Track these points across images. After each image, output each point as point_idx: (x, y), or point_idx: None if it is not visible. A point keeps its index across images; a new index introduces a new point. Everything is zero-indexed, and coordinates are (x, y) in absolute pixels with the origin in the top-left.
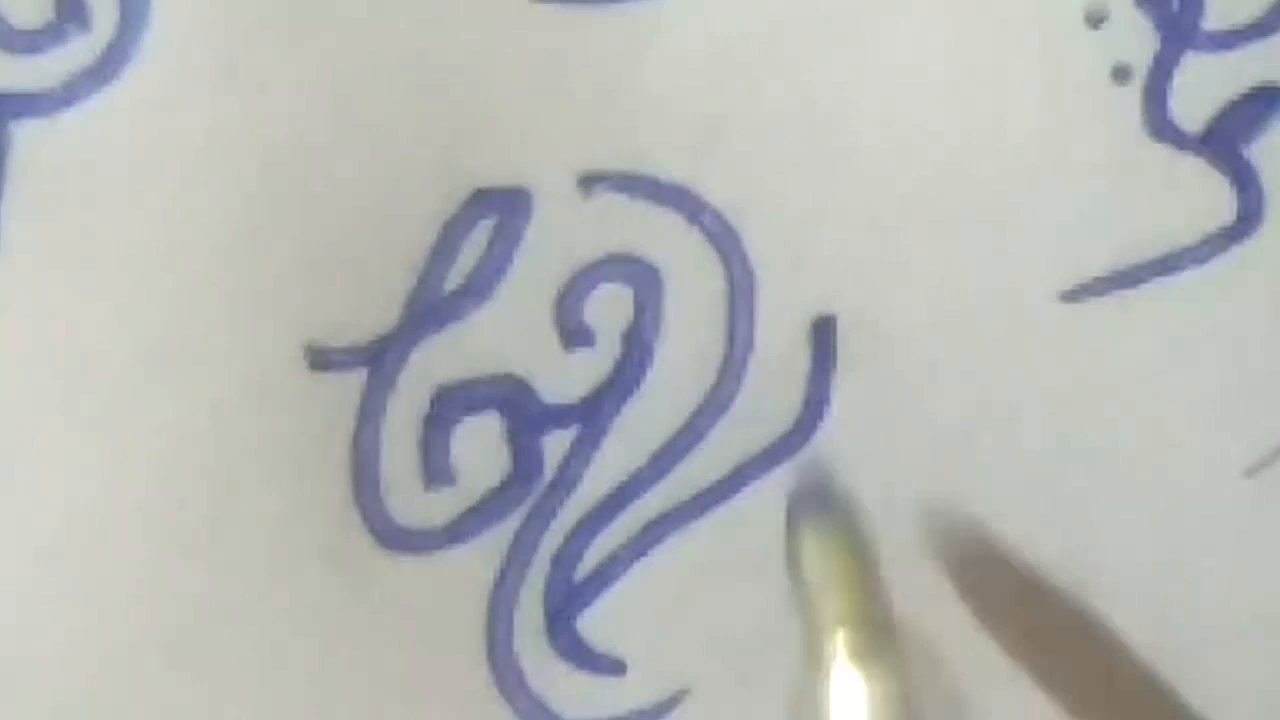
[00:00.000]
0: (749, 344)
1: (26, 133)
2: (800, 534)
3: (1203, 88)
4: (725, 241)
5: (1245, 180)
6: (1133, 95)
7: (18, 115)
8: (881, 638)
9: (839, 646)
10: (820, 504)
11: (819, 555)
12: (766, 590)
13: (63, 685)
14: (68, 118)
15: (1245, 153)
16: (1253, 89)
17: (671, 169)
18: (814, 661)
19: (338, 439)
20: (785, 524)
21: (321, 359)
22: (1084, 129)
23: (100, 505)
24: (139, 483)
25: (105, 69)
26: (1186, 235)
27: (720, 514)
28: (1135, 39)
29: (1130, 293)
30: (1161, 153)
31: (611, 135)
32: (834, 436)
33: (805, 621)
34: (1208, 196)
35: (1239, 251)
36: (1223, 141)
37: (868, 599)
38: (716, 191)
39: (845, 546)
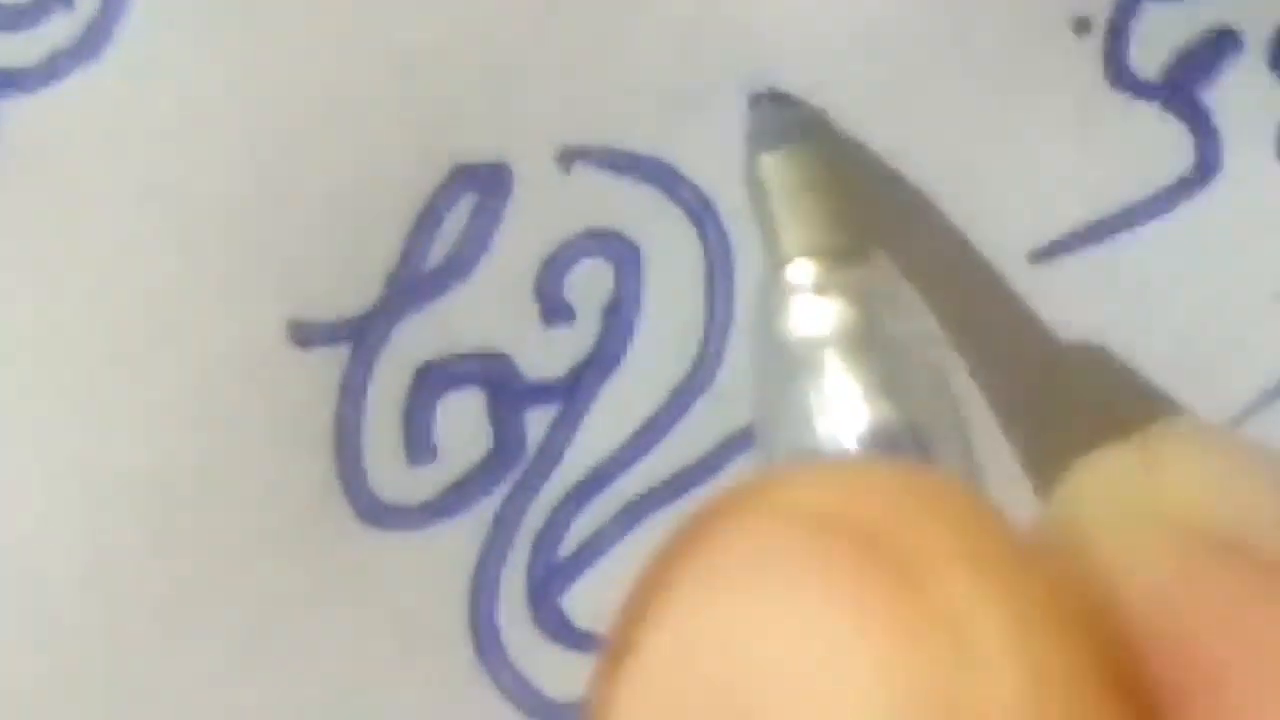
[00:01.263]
0: (729, 318)
1: (10, 110)
2: (756, 166)
3: (1160, 36)
4: (703, 215)
5: (1202, 127)
6: (1094, 47)
7: (1, 92)
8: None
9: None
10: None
11: (776, 187)
12: None
13: (44, 660)
14: (51, 94)
15: (1202, 99)
16: (1206, 33)
17: (651, 143)
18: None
19: (321, 415)
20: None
21: (305, 335)
22: (1047, 85)
23: (81, 480)
24: (120, 459)
25: (87, 46)
26: (1148, 186)
27: (704, 490)
28: None
29: (1096, 248)
30: (1121, 103)
31: (591, 110)
32: None
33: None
34: (1168, 145)
35: (1199, 200)
36: (1180, 89)
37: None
38: (694, 165)
39: (803, 175)
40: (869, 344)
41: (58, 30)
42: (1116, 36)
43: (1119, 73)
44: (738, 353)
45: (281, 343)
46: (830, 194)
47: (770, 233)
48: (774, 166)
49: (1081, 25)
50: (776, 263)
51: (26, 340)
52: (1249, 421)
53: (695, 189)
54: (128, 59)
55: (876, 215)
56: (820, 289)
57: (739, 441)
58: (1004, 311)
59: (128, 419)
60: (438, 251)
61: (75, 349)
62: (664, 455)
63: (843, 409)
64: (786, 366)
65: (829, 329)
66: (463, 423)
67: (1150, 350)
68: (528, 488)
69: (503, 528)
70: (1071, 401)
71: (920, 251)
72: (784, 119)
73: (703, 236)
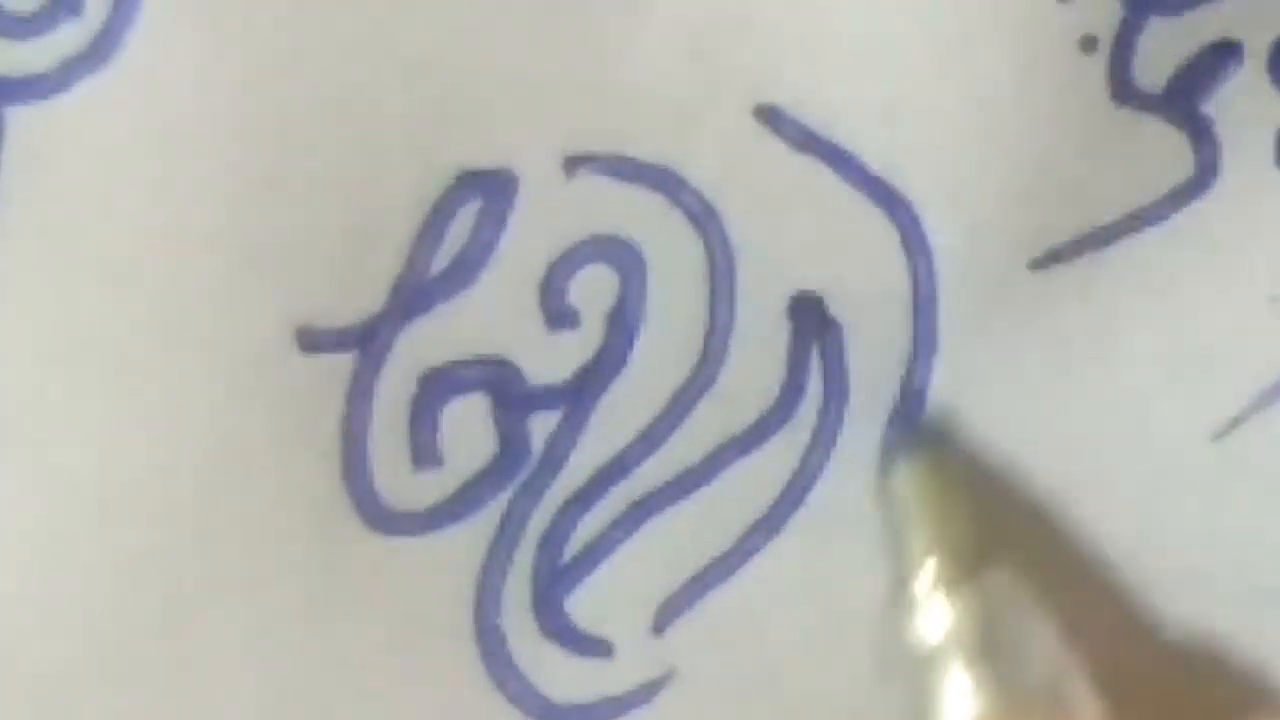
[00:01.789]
0: (730, 323)
1: (20, 117)
2: (893, 469)
3: (1164, 51)
4: (706, 221)
5: (1202, 135)
6: (1099, 63)
7: (11, 100)
8: (972, 565)
9: (928, 576)
10: (913, 440)
11: (910, 487)
12: (754, 569)
13: (52, 663)
14: (61, 102)
15: (1203, 108)
16: (1208, 46)
17: (654, 150)
18: (902, 597)
19: (327, 421)
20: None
21: (312, 341)
22: (1052, 101)
23: (90, 486)
24: (128, 465)
25: (96, 54)
26: (1149, 194)
27: (705, 493)
28: (1102, 10)
29: (1097, 255)
30: (1125, 116)
31: (595, 116)
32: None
33: (895, 557)
34: (1168, 155)
35: (1198, 206)
36: (1182, 99)
37: (960, 527)
38: (697, 172)
39: (935, 476)
40: (992, 648)
41: (66, 38)
42: (1122, 53)
43: (1123, 88)
44: (739, 356)
45: (288, 348)
46: (961, 501)
47: (902, 538)
48: (909, 475)
49: (1088, 43)
50: (907, 567)
51: (35, 346)
52: (1248, 422)
53: (698, 195)
54: (136, 67)
55: (1002, 521)
56: (948, 593)
57: (740, 444)
58: (1121, 614)
59: (133, 425)
60: (443, 257)
61: (84, 354)
62: (667, 458)
63: (965, 712)
64: (913, 668)
65: (955, 633)
66: (468, 428)
67: (1150, 352)
68: (532, 492)
69: (507, 532)
70: (1184, 701)
71: (1043, 557)
72: (919, 429)
73: (706, 242)
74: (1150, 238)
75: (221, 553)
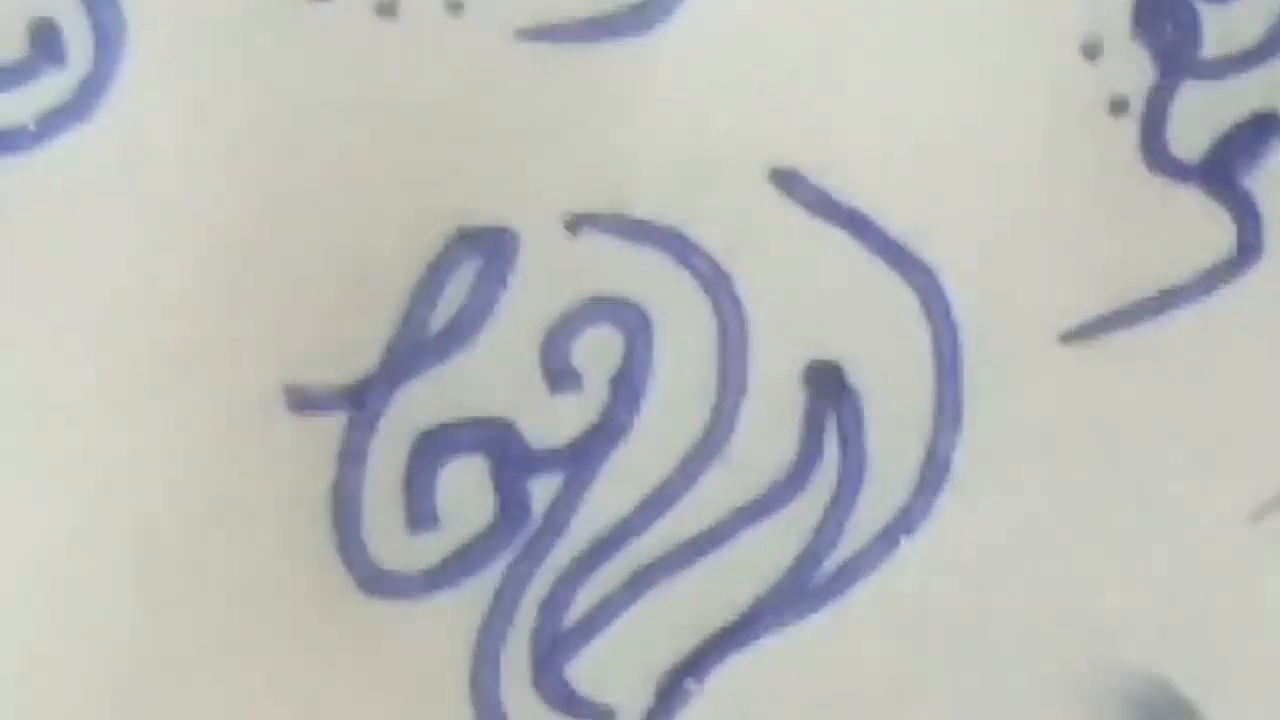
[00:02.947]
0: (741, 388)
1: (1, 169)
2: None
3: (1200, 117)
4: (716, 284)
5: (1244, 211)
6: (1130, 127)
7: None
8: None
9: None
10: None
11: None
12: (764, 640)
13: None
14: (43, 154)
15: (1244, 183)
16: (1250, 117)
17: (661, 210)
18: None
19: (318, 482)
20: None
21: (301, 400)
22: (1082, 165)
23: (75, 549)
24: (115, 526)
25: (80, 105)
26: (1186, 270)
27: (713, 561)
28: (1132, 70)
29: (1129, 332)
30: (1159, 185)
31: (600, 175)
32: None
33: None
34: (1207, 229)
35: (1240, 285)
36: (1221, 172)
37: None
38: (707, 233)
39: None
40: None
41: (50, 89)
42: (1154, 118)
43: (1157, 155)
44: (750, 424)
45: (278, 409)
46: None
47: None
48: None
49: (1118, 106)
50: None
51: (19, 403)
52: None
53: (708, 258)
54: (120, 118)
55: None
56: None
57: (750, 512)
58: None
59: (118, 486)
60: (440, 317)
61: (67, 414)
62: (672, 524)
63: None
64: None
65: None
66: (465, 490)
67: (1185, 431)
68: (532, 557)
69: (506, 597)
70: None
71: None
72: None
73: (716, 306)
74: (1188, 315)
75: (209, 617)
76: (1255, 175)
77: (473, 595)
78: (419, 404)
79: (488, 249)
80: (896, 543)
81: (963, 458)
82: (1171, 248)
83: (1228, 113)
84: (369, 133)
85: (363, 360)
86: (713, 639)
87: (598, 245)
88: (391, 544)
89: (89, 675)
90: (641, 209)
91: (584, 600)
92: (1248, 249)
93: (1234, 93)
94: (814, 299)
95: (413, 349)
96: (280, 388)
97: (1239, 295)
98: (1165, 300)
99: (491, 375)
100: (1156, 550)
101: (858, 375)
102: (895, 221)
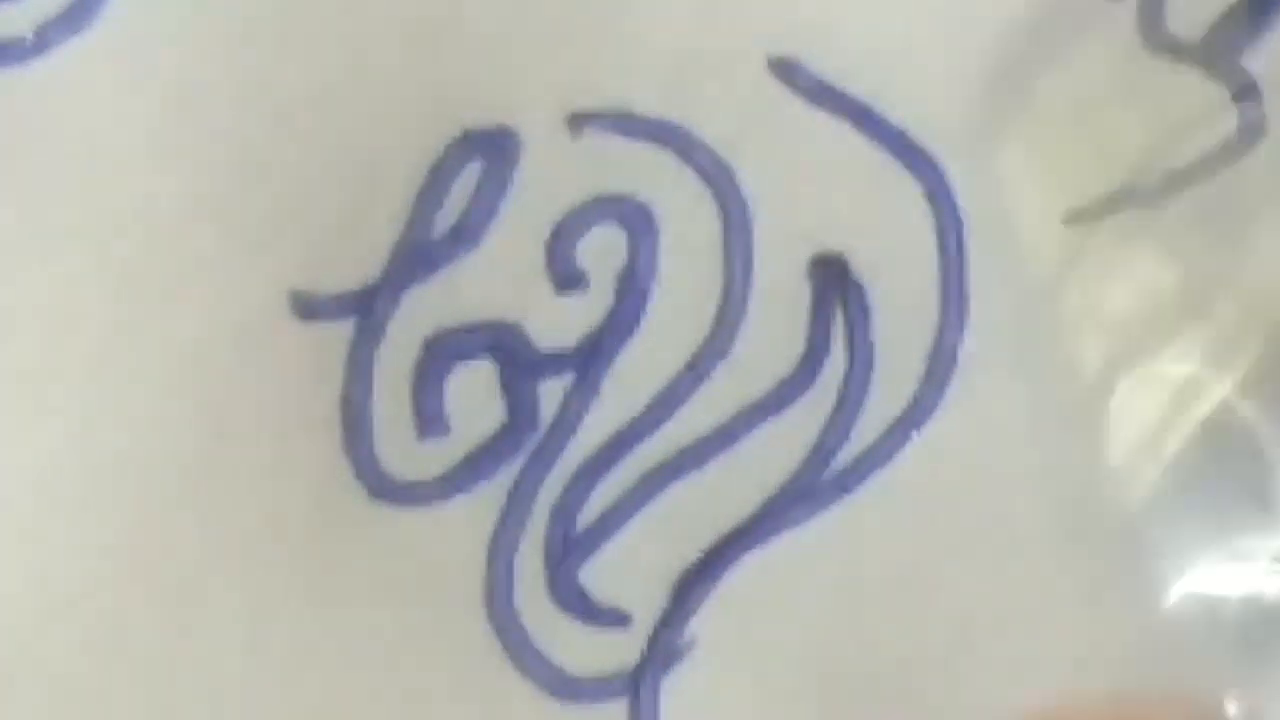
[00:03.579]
0: (747, 284)
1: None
2: None
3: None
4: (719, 179)
5: (1245, 91)
6: (1128, 8)
7: None
8: None
9: None
10: None
11: None
12: (777, 538)
13: (49, 638)
14: (40, 65)
15: (1245, 62)
16: None
17: (662, 106)
18: None
19: (326, 390)
20: None
21: (308, 308)
22: (1080, 47)
23: (83, 459)
24: (121, 436)
25: (77, 14)
26: (1189, 151)
27: (724, 460)
28: None
29: (1133, 215)
30: (1159, 66)
31: (600, 73)
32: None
33: None
34: (1208, 109)
35: (1243, 164)
36: (1221, 51)
37: None
38: (708, 127)
39: None
40: None
41: (46, 0)
42: None
43: (1156, 35)
44: (756, 319)
45: (283, 316)
46: None
47: None
48: None
49: None
50: None
51: (22, 319)
52: None
53: (710, 152)
54: (119, 27)
55: None
56: None
57: (760, 409)
58: None
59: (125, 398)
60: (444, 220)
61: (71, 325)
62: (682, 425)
63: None
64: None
65: None
66: (474, 395)
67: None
68: (542, 461)
69: (518, 502)
70: None
71: None
72: None
73: (719, 201)
74: (1189, 197)
75: (219, 529)
76: (1256, 54)
77: (484, 501)
78: (425, 309)
79: (489, 151)
80: (907, 436)
81: (969, 348)
82: (1173, 129)
83: None
84: (367, 37)
85: (368, 266)
86: (725, 539)
87: (599, 144)
88: (401, 451)
89: (97, 590)
90: (642, 105)
91: (596, 503)
92: (1249, 128)
93: None
94: (817, 191)
95: (418, 253)
96: (285, 295)
97: (1242, 175)
98: (1168, 182)
99: (497, 278)
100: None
101: (863, 267)
102: (897, 111)
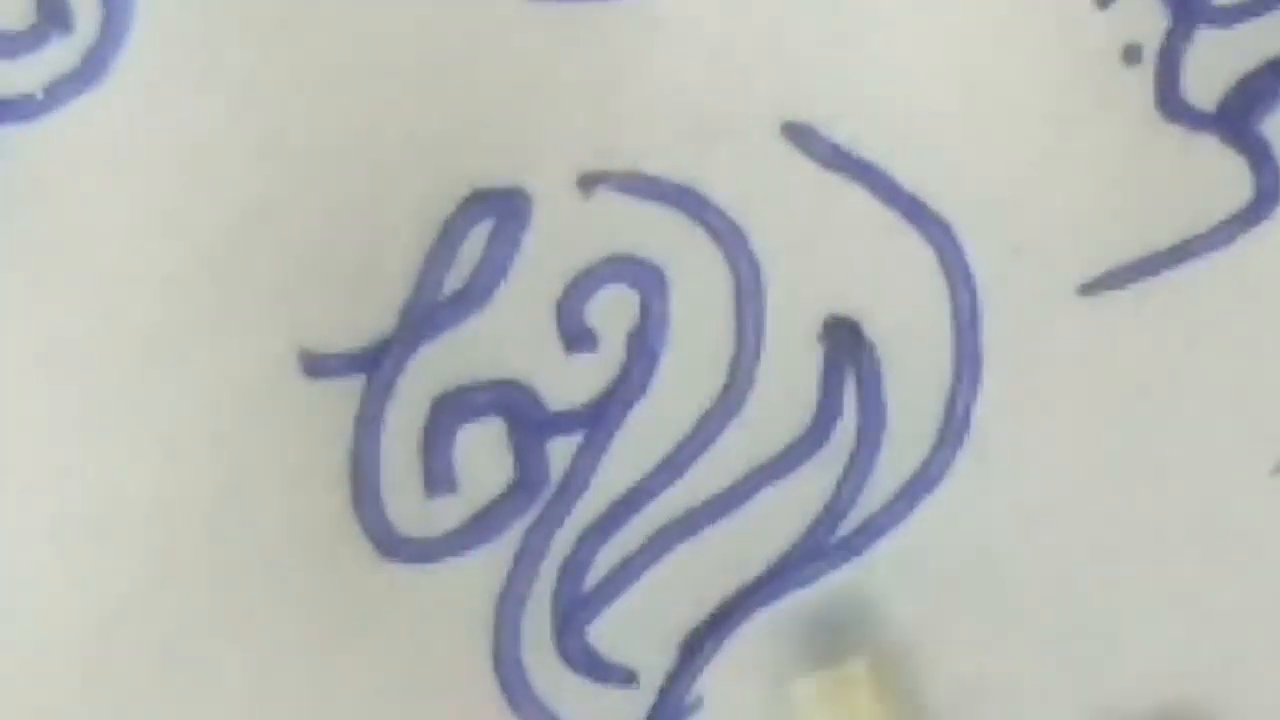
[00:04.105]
0: (759, 345)
1: (10, 137)
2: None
3: (1215, 65)
4: (731, 240)
5: (1261, 158)
6: (1144, 75)
7: (1, 119)
8: None
9: None
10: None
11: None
12: (787, 598)
13: (56, 691)
14: (52, 121)
15: (1261, 130)
16: (1266, 63)
17: (674, 167)
18: None
19: (335, 447)
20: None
21: (317, 365)
22: (1096, 114)
23: (94, 515)
24: (132, 493)
25: (88, 71)
26: (1205, 219)
27: (734, 520)
28: (1145, 17)
29: (1149, 282)
30: (1175, 133)
31: (612, 133)
32: (848, 437)
33: None
34: (1224, 177)
35: (1258, 232)
36: (1237, 119)
37: None
38: (721, 189)
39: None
40: None
41: (57, 57)
42: (1168, 65)
43: (1172, 103)
44: (767, 381)
45: (292, 374)
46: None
47: None
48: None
49: (1131, 53)
50: None
51: (32, 372)
52: None
53: (722, 214)
54: (129, 84)
55: None
56: None
57: (770, 470)
58: None
59: (133, 453)
60: (454, 279)
61: (80, 381)
62: (692, 484)
63: None
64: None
65: None
66: (483, 453)
67: (1206, 383)
68: (551, 519)
69: (526, 560)
70: None
71: None
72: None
73: (731, 263)
74: (1207, 265)
75: (227, 584)
76: (1272, 122)
77: (492, 559)
78: (435, 367)
79: (501, 210)
80: (917, 499)
81: (982, 413)
82: (1189, 197)
83: (1243, 59)
84: (380, 95)
85: (378, 324)
86: (734, 598)
87: (611, 204)
88: (409, 509)
89: (105, 646)
90: (654, 166)
91: (604, 561)
92: (1265, 196)
93: (1248, 39)
94: (830, 254)
95: (428, 312)
96: (295, 353)
97: (1258, 243)
98: (1184, 250)
99: (507, 337)
100: (1178, 503)
101: (875, 331)
102: (910, 175)
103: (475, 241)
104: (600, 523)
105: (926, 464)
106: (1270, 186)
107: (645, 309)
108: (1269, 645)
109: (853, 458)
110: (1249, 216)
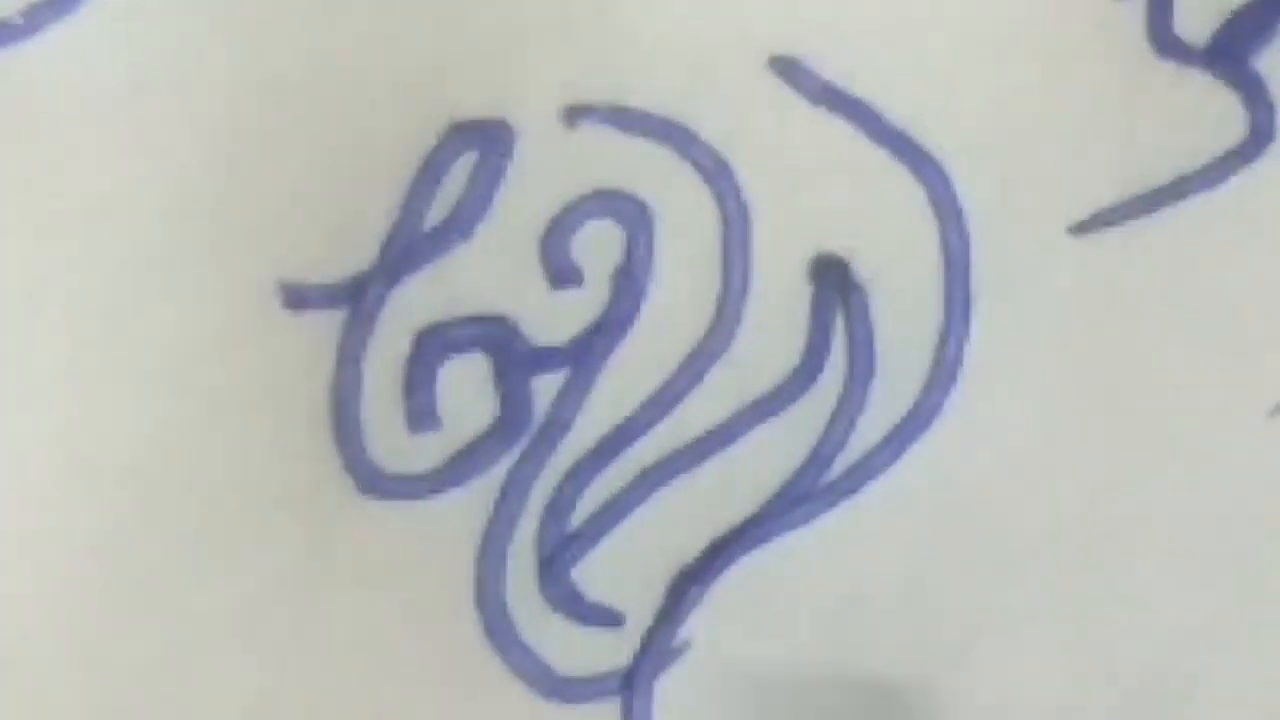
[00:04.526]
0: (746, 283)
1: None
2: None
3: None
4: (718, 176)
5: (1255, 95)
6: (1136, 10)
7: None
8: None
9: None
10: None
11: None
12: (774, 541)
13: (36, 631)
14: (30, 47)
15: (1254, 65)
16: None
17: (661, 101)
18: None
19: (316, 381)
20: None
21: (297, 298)
22: (1086, 50)
23: (74, 448)
24: (113, 427)
25: None
26: (1198, 156)
27: (720, 461)
28: None
29: (1141, 221)
30: (1167, 70)
31: (597, 67)
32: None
33: None
34: (1217, 114)
35: (1252, 171)
36: (1230, 55)
37: None
38: (708, 124)
39: None
40: None
41: None
42: (1160, 1)
43: (1163, 39)
44: (755, 319)
45: (273, 307)
46: None
47: None
48: None
49: None
50: None
51: (11, 303)
52: None
53: (710, 150)
54: (108, 10)
55: None
56: None
57: (758, 410)
58: None
59: (113, 387)
60: (437, 211)
61: (60, 314)
62: (677, 423)
63: None
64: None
65: None
66: (466, 389)
67: (1199, 325)
68: (535, 457)
69: (510, 498)
70: None
71: None
72: None
73: (718, 199)
74: (1199, 204)
75: (207, 520)
76: (1266, 57)
77: (476, 497)
78: (417, 301)
79: (483, 142)
80: (907, 442)
81: (973, 353)
82: (1181, 134)
83: None
84: (362, 26)
85: (359, 257)
86: (721, 541)
87: (596, 138)
88: (392, 445)
89: (87, 578)
90: (640, 100)
91: (589, 501)
92: (1259, 133)
93: None
94: (819, 192)
95: (410, 246)
96: (276, 285)
97: (1252, 181)
98: (1176, 188)
99: (490, 271)
100: (1169, 443)
101: (864, 270)
102: (899, 111)
103: (458, 174)
104: (585, 461)
105: (917, 404)
106: (1264, 123)
107: (631, 245)
108: (1260, 586)
109: (842, 398)
110: (1242, 154)
